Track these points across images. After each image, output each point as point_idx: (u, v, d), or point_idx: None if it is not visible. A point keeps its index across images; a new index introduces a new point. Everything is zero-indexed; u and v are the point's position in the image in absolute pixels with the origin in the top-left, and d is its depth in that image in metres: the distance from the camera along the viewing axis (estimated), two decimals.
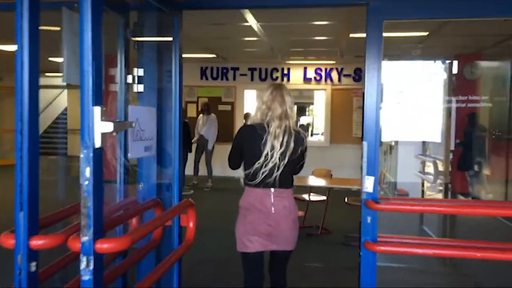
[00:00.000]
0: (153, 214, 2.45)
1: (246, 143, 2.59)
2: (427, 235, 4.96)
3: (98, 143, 1.56)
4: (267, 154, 2.48)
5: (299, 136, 2.58)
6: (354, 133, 9.79)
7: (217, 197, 8.14)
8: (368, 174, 2.39)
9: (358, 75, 9.86)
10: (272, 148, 2.49)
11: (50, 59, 4.58)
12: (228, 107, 10.22)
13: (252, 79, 10.11)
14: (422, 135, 2.84)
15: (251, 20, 5.66)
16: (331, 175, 5.67)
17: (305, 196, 5.53)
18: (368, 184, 2.39)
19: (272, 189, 2.52)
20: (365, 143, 2.40)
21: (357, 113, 9.83)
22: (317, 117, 11.25)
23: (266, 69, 10.07)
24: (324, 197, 5.55)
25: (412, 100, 2.68)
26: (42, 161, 1.73)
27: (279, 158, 2.48)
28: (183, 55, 2.70)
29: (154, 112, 2.47)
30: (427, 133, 2.75)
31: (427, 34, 6.02)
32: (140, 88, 2.57)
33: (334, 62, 9.65)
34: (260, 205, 2.52)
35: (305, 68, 9.97)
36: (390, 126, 2.65)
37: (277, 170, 2.50)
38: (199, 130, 8.74)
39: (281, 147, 2.49)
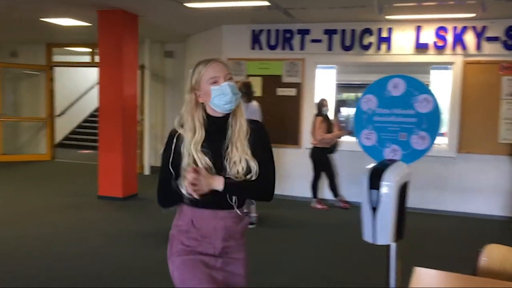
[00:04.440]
0: None
1: None
2: None
3: None
4: None
5: None
6: (502, 137, 5.81)
7: (269, 244, 4.69)
8: None
9: None
10: None
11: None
12: (292, 91, 6.69)
13: (330, 48, 6.47)
14: None
15: None
16: None
17: None
18: None
19: None
20: None
21: (508, 103, 5.81)
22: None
23: (352, 31, 6.37)
24: None
25: None
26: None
27: None
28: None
29: None
30: None
31: None
32: None
33: (472, 15, 5.71)
34: None
35: (418, 28, 6.12)
36: None
37: None
38: None
39: None
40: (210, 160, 1.72)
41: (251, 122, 1.82)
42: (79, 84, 12.85)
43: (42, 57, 9.89)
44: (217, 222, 1.77)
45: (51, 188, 7.24)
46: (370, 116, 1.87)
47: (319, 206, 6.19)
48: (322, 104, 6.04)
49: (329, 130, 6.07)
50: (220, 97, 1.73)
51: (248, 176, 1.73)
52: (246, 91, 5.14)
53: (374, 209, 1.45)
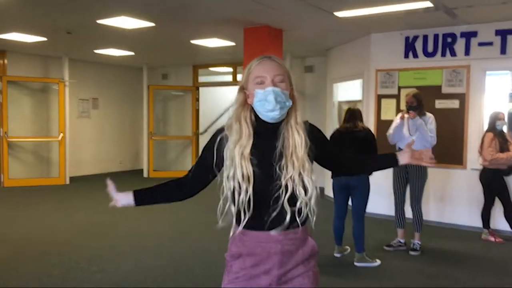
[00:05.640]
0: None
1: None
2: None
3: None
4: None
5: None
6: None
7: (428, 279, 3.98)
8: None
9: None
10: None
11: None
12: (454, 103, 5.83)
13: (503, 51, 5.49)
14: None
15: None
16: None
17: None
18: None
19: None
20: None
21: None
22: None
23: None
24: None
25: None
26: None
27: None
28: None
29: None
30: None
31: None
32: None
33: None
34: None
35: None
36: None
37: None
38: (401, 141, 4.72)
39: None
40: (254, 170, 1.47)
41: (307, 126, 1.58)
42: (219, 102, 13.39)
43: (189, 78, 10.47)
44: (271, 246, 1.50)
45: (195, 204, 7.41)
46: None
47: (492, 239, 5.21)
48: (497, 117, 5.08)
49: (502, 148, 5.09)
50: (262, 103, 1.50)
51: (306, 198, 1.46)
52: (417, 104, 4.53)
53: None
